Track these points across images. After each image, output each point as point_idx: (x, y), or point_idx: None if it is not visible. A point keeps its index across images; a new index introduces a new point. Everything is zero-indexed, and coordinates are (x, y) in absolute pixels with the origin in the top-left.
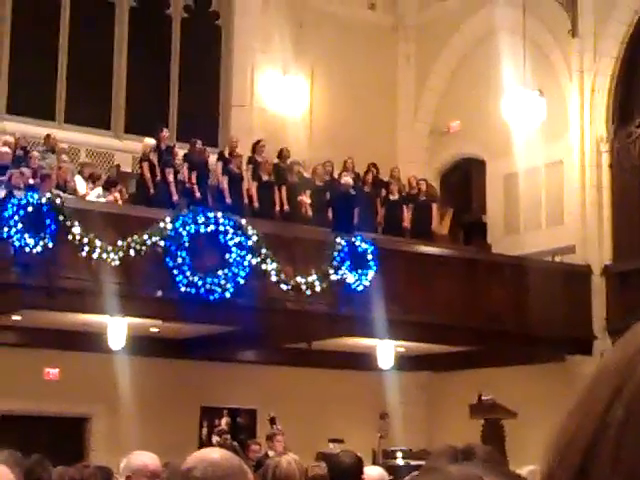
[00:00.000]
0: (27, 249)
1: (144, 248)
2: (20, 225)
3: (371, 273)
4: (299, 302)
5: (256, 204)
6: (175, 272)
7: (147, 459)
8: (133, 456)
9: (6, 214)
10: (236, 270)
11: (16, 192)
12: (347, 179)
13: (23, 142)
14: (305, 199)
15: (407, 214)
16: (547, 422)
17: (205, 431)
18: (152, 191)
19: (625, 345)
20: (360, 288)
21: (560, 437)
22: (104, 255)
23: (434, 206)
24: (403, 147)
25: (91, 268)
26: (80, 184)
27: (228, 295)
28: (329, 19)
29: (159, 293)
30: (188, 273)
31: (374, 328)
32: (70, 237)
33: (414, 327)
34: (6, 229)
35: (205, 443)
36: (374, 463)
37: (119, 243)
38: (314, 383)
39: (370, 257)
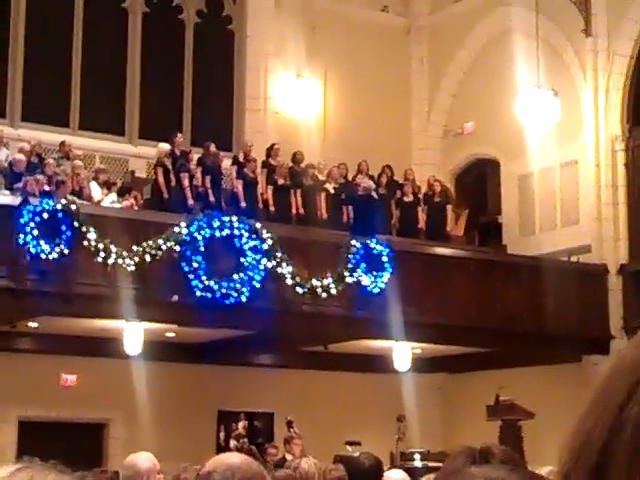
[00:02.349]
0: (43, 255)
1: (159, 253)
2: (36, 232)
3: (387, 275)
4: (315, 305)
5: (271, 208)
6: (191, 277)
7: (140, 460)
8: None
9: (22, 221)
10: (252, 274)
11: (31, 199)
12: (369, 182)
13: (38, 149)
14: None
15: (422, 215)
16: (564, 422)
17: (222, 435)
18: (166, 196)
19: (638, 343)
20: (376, 290)
21: (576, 437)
22: (120, 260)
23: (449, 207)
24: (417, 149)
25: (107, 274)
26: (95, 190)
27: (244, 299)
28: (342, 22)
29: (175, 298)
30: (204, 277)
31: (390, 330)
32: (86, 243)
33: (430, 329)
34: (22, 236)
35: (223, 447)
36: (392, 465)
37: (134, 248)
38: (331, 386)
39: (385, 259)
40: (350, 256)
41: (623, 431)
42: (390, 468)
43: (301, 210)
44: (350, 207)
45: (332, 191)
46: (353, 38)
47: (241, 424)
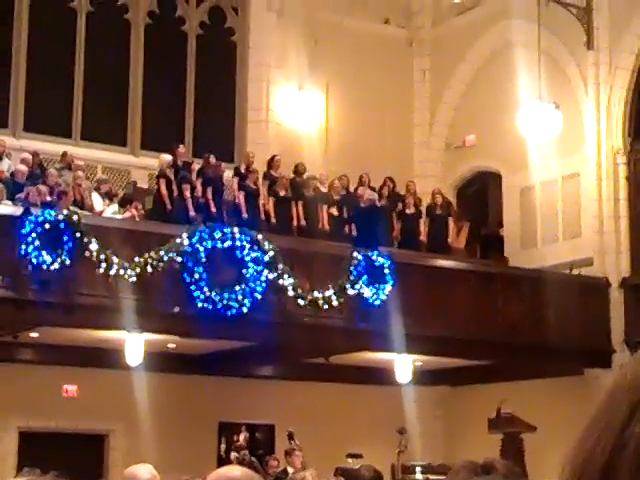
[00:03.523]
0: (44, 266)
1: (161, 264)
2: (37, 242)
3: (388, 287)
4: (316, 317)
5: (273, 219)
6: (192, 288)
7: (140, 471)
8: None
9: (23, 231)
10: (253, 285)
11: (33, 209)
12: (373, 194)
13: (40, 159)
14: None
15: (423, 228)
16: (566, 436)
17: (223, 447)
18: (169, 207)
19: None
20: (377, 302)
21: (578, 454)
22: (121, 271)
23: (450, 220)
24: (419, 161)
25: (108, 284)
26: (97, 201)
27: (245, 310)
28: (344, 34)
29: (176, 309)
30: (205, 289)
31: (391, 342)
32: (87, 254)
33: (431, 341)
34: (23, 246)
35: (223, 459)
36: (393, 478)
37: (136, 259)
38: (332, 398)
39: (387, 271)
40: (352, 268)
41: (625, 449)
42: None
43: (302, 222)
44: (352, 219)
45: (336, 213)
46: (355, 50)
47: (242, 436)
